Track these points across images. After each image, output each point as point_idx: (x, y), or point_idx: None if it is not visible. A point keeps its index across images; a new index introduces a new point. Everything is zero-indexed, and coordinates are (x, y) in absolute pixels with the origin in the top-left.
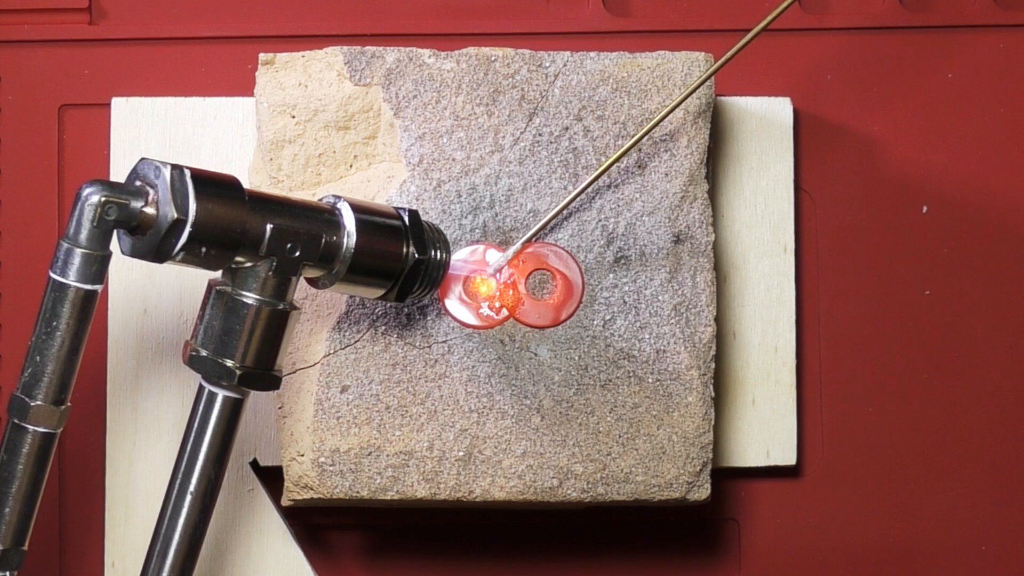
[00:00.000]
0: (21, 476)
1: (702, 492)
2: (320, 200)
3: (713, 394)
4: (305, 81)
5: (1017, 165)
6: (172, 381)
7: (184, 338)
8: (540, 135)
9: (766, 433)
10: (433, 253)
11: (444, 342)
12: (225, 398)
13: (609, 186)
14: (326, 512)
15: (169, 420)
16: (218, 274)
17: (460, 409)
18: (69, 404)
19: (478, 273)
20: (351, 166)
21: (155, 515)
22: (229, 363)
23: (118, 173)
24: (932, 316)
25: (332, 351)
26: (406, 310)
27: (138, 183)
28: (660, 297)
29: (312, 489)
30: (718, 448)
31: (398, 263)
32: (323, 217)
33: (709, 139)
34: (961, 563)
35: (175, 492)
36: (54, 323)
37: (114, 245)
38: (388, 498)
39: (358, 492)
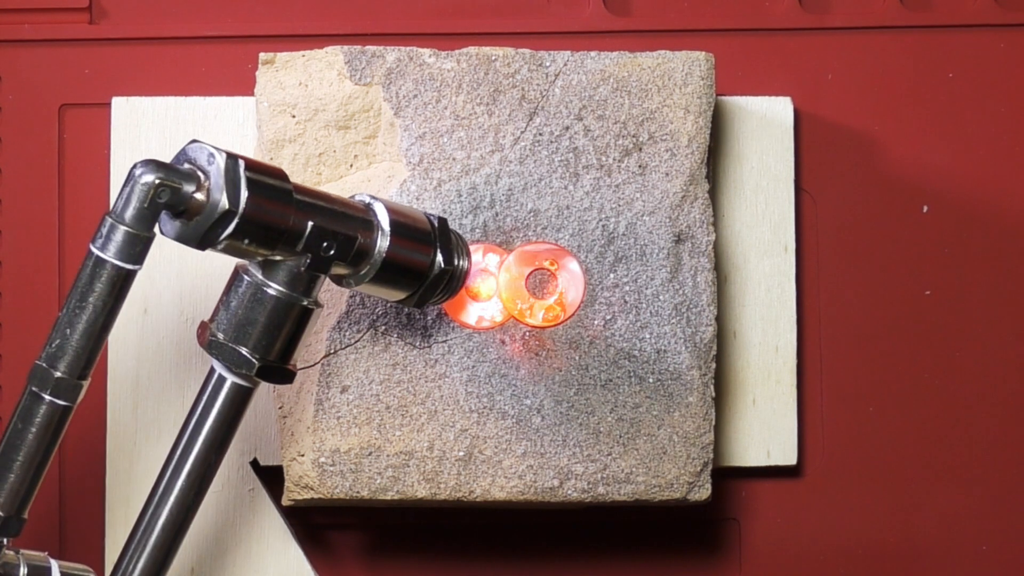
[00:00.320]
0: (31, 445)
1: (703, 492)
2: (353, 198)
3: (714, 394)
4: (305, 80)
5: (1018, 165)
6: (172, 381)
7: (185, 337)
8: (540, 135)
9: (767, 433)
10: (458, 263)
11: (444, 342)
12: (235, 385)
13: (610, 186)
14: (326, 512)
15: (169, 420)
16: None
17: (460, 409)
18: (90, 380)
19: (479, 273)
20: (351, 165)
21: None
22: (247, 352)
23: (118, 173)
24: (932, 316)
25: (332, 351)
26: (406, 310)
27: (188, 166)
28: (661, 297)
29: (312, 489)
30: (719, 448)
31: (425, 270)
32: (359, 218)
33: (710, 139)
34: (961, 563)
35: (170, 470)
36: (89, 298)
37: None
38: (388, 498)
39: (358, 492)
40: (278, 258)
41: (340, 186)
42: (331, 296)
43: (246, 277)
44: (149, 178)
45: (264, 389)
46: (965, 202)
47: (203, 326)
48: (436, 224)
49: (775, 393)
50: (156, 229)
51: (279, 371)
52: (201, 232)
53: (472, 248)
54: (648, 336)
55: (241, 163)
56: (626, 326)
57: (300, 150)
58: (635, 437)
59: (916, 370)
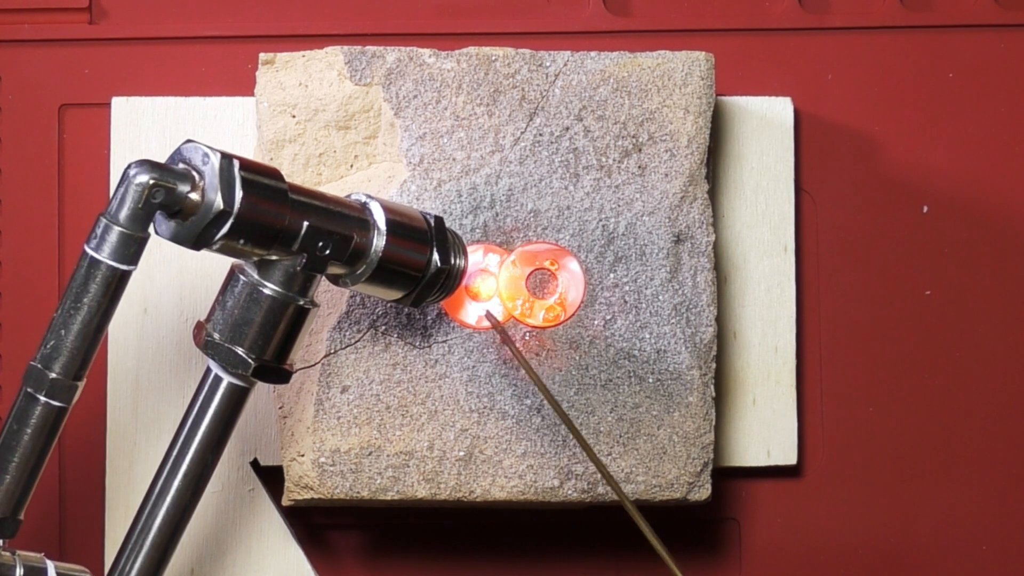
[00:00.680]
0: (27, 446)
1: (703, 492)
2: (349, 197)
3: (714, 394)
4: (305, 81)
5: (1018, 165)
6: (172, 381)
7: (184, 337)
8: (540, 135)
9: (767, 433)
10: (455, 262)
11: (444, 342)
12: (231, 384)
13: (610, 186)
14: (326, 512)
15: (169, 420)
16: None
17: (460, 409)
18: (85, 381)
19: (479, 273)
20: (351, 166)
21: None
22: (243, 352)
23: (118, 173)
24: (933, 316)
25: (333, 351)
26: (406, 309)
27: (183, 166)
28: (660, 297)
29: (312, 489)
30: (719, 448)
31: (421, 269)
32: (355, 217)
33: (709, 139)
34: (961, 563)
35: (166, 470)
36: (83, 299)
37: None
38: (388, 498)
39: (358, 492)
40: (274, 258)
41: (340, 186)
42: (331, 296)
43: (242, 277)
44: (143, 178)
45: (264, 389)
46: (965, 202)
47: (199, 326)
48: (432, 223)
49: (775, 393)
50: (151, 229)
51: (275, 371)
52: (196, 232)
53: (472, 248)
54: (648, 336)
55: (236, 163)
56: (626, 326)
57: (300, 150)
58: (635, 437)
59: (916, 370)
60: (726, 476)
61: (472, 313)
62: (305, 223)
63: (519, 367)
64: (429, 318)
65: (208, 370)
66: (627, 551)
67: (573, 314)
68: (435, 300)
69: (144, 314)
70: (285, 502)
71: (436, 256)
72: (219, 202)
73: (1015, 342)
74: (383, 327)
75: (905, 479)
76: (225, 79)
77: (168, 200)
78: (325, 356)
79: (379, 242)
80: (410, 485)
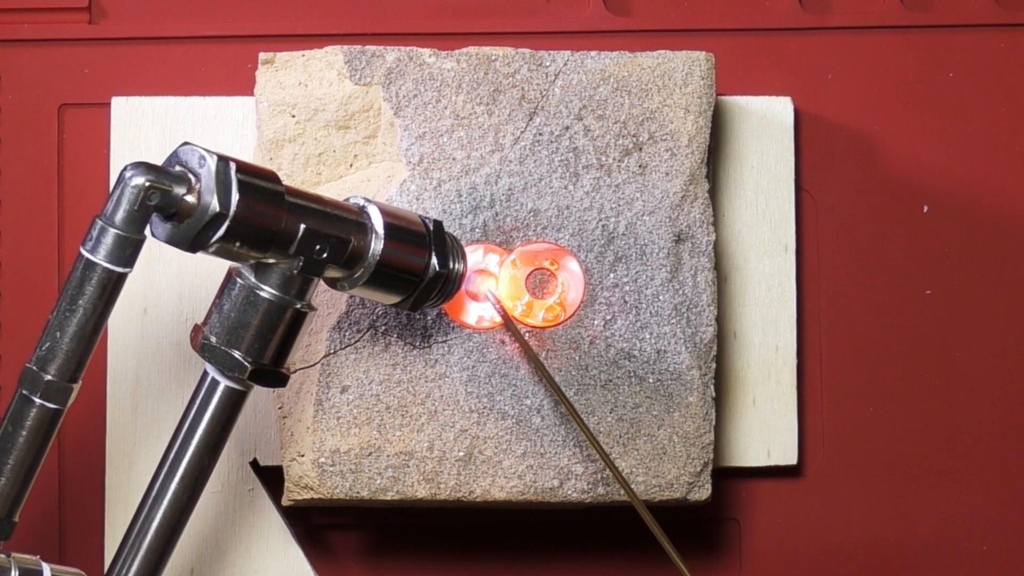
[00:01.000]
0: (22, 449)
1: (703, 492)
2: (347, 200)
3: (714, 394)
4: (305, 80)
5: (1018, 164)
6: (172, 381)
7: (184, 338)
8: (540, 134)
9: (767, 433)
10: (453, 266)
11: (444, 342)
12: (228, 388)
13: (610, 186)
14: (326, 512)
15: (169, 419)
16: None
17: (460, 409)
18: (80, 383)
19: (479, 274)
20: (351, 165)
21: None
22: (240, 356)
23: (117, 173)
24: (933, 316)
25: (332, 351)
26: None
27: (179, 168)
28: (661, 297)
29: (312, 489)
30: (719, 448)
31: (419, 273)
32: (353, 220)
33: (710, 138)
34: (961, 563)
35: (163, 474)
36: (79, 301)
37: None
38: (388, 498)
39: (358, 492)
40: (271, 261)
41: (340, 186)
42: (331, 296)
43: (239, 280)
44: (139, 180)
45: (264, 389)
46: (965, 202)
47: (196, 329)
48: (431, 227)
49: (775, 393)
50: (147, 232)
51: (272, 375)
52: (192, 235)
53: (472, 248)
54: (648, 336)
55: (232, 165)
56: (626, 326)
57: (300, 150)
58: (635, 437)
59: (916, 370)
60: (726, 476)
61: (472, 313)
62: (302, 226)
63: (519, 367)
64: (429, 318)
65: (205, 373)
66: (627, 551)
67: (573, 314)
68: (433, 304)
69: (144, 314)
70: (285, 502)
71: (435, 260)
72: (215, 205)
73: (1015, 342)
74: (383, 327)
75: (905, 479)
76: (225, 79)
77: (164, 202)
78: (325, 356)
79: (377, 246)
80: (410, 485)
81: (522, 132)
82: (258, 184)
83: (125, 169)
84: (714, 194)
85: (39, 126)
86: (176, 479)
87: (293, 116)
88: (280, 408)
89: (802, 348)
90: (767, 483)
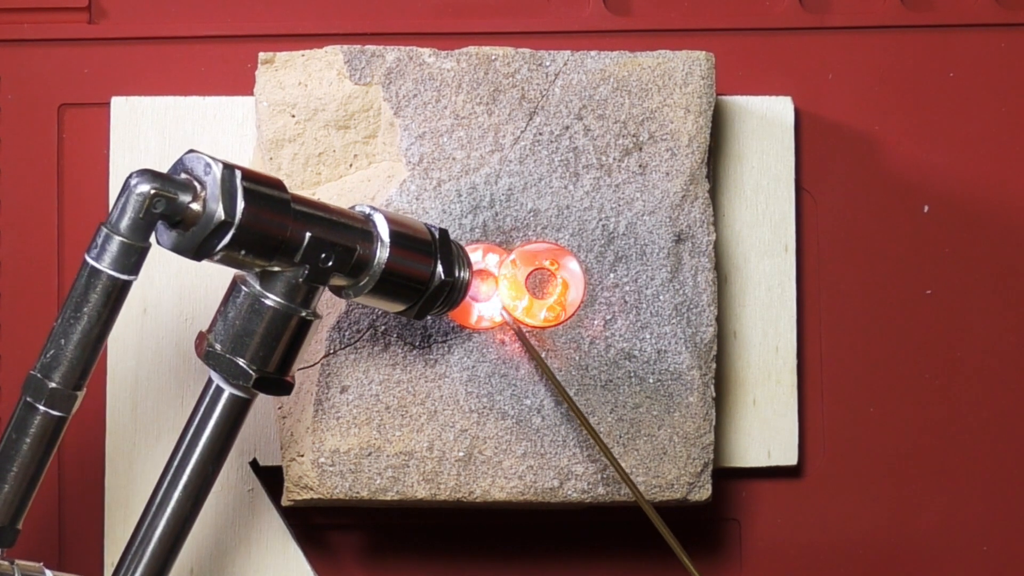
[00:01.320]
0: (25, 456)
1: (703, 492)
2: (353, 208)
3: (714, 394)
4: (305, 80)
5: (1019, 164)
6: (172, 381)
7: (184, 337)
8: (540, 134)
9: (767, 433)
10: (459, 274)
11: (444, 342)
12: (232, 396)
13: (610, 185)
14: (326, 512)
15: (169, 420)
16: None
17: (460, 409)
18: (85, 391)
19: (479, 274)
20: (351, 165)
21: None
22: (244, 364)
23: (117, 173)
24: (933, 316)
25: (332, 351)
26: None
27: (184, 176)
28: (661, 297)
29: (312, 489)
30: (719, 448)
31: (425, 282)
32: (358, 229)
33: (710, 138)
34: (962, 563)
35: (167, 481)
36: (83, 308)
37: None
38: (388, 499)
39: (358, 492)
40: (276, 269)
41: (340, 186)
42: (331, 296)
43: (244, 288)
44: (144, 188)
45: None
46: (966, 202)
47: (201, 336)
48: (437, 235)
49: (775, 393)
50: (152, 239)
51: (277, 383)
52: (197, 243)
53: (472, 248)
54: (648, 336)
55: (238, 173)
56: (626, 326)
57: (300, 150)
58: (635, 437)
59: (917, 370)
60: (726, 476)
61: (472, 313)
62: (308, 234)
63: (519, 367)
64: (429, 318)
65: (209, 380)
66: (627, 551)
67: (573, 314)
68: (439, 313)
69: (144, 315)
70: (284, 502)
71: (440, 268)
72: (220, 212)
73: (1016, 342)
74: (382, 327)
75: (905, 479)
76: (225, 79)
77: (169, 210)
78: (324, 356)
79: (382, 254)
80: (410, 485)
81: (522, 132)
82: (264, 192)
83: (130, 177)
84: (714, 194)
85: (39, 126)
86: (180, 486)
87: (293, 116)
88: (280, 408)
89: (802, 348)
90: (767, 483)
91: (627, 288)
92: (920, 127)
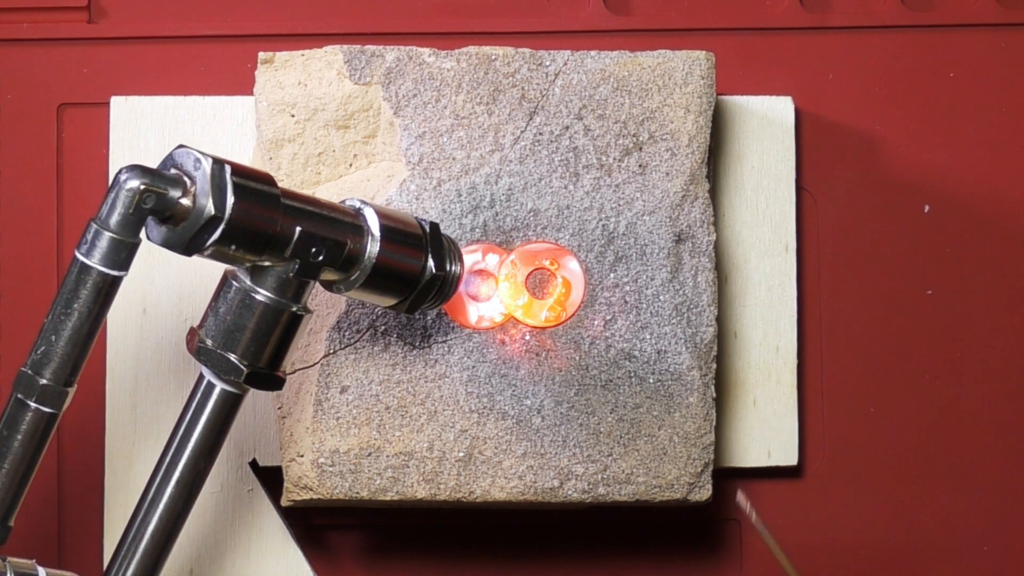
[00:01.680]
0: (17, 453)
1: (703, 493)
2: (343, 203)
3: (714, 394)
4: (305, 80)
5: (1019, 164)
6: (171, 381)
7: (183, 338)
8: (540, 134)
9: (767, 433)
10: (450, 268)
11: (444, 342)
12: (224, 391)
13: (610, 185)
14: (326, 512)
15: (168, 420)
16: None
17: (460, 409)
18: (76, 387)
19: (479, 274)
20: (351, 165)
21: None
22: (236, 359)
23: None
24: (934, 316)
25: (332, 351)
26: None
27: (174, 171)
28: (661, 297)
29: (312, 490)
30: (719, 448)
31: (416, 276)
32: (349, 223)
33: (710, 138)
34: (962, 563)
35: (159, 477)
36: (74, 304)
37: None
38: (388, 499)
39: (358, 493)
40: (266, 264)
41: (339, 186)
42: (330, 296)
43: (235, 283)
44: (134, 184)
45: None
46: (966, 202)
47: (192, 332)
48: (427, 229)
49: (776, 393)
50: (142, 235)
51: (268, 378)
52: (187, 238)
53: (472, 248)
54: (648, 336)
55: (228, 168)
56: (626, 326)
57: (299, 150)
58: (635, 438)
59: (917, 370)
60: (727, 477)
61: (472, 313)
62: (298, 228)
63: (519, 367)
64: (429, 318)
65: (201, 376)
66: (627, 551)
67: (573, 314)
68: (430, 307)
69: (143, 315)
70: (284, 503)
71: (431, 262)
72: (210, 207)
73: (1016, 342)
74: (382, 327)
75: (905, 480)
76: (224, 78)
77: (159, 205)
78: (324, 356)
79: (373, 248)
80: (410, 486)
81: (522, 132)
82: (253, 187)
83: (120, 172)
84: (714, 194)
85: (38, 126)
86: (172, 482)
87: (292, 116)
88: (279, 408)
89: (803, 348)
90: (768, 484)
91: (627, 288)
92: (920, 127)
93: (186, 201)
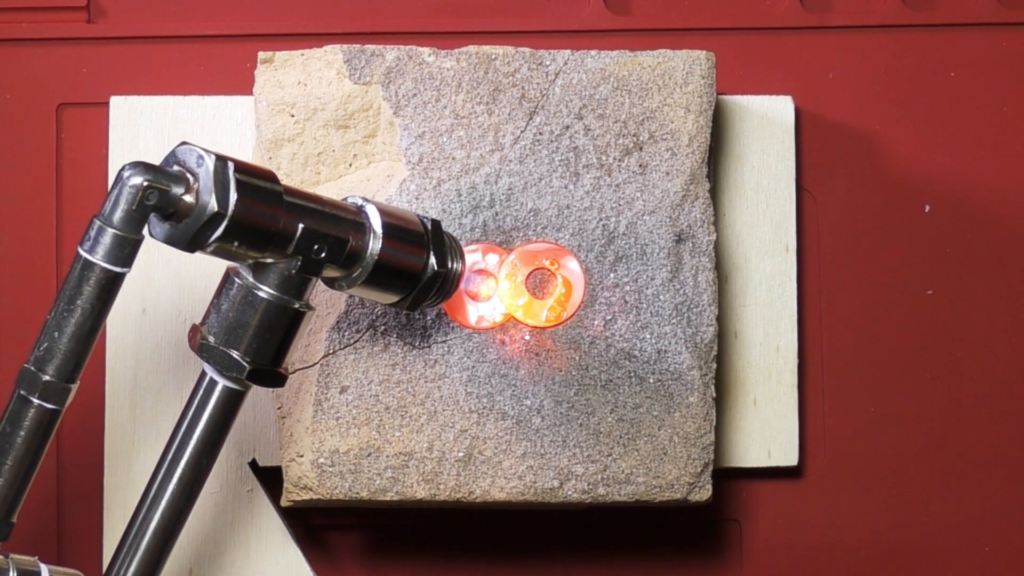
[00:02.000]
0: (20, 449)
1: (703, 493)
2: (345, 200)
3: (715, 394)
4: (304, 80)
5: (1019, 164)
6: (171, 381)
7: (183, 337)
8: (541, 134)
9: (768, 433)
10: (452, 265)
11: (444, 342)
12: (226, 388)
13: (610, 185)
14: (326, 513)
15: (168, 419)
16: None
17: (460, 409)
18: (78, 383)
19: (479, 274)
20: (350, 165)
21: None
22: (238, 356)
23: (116, 172)
24: (934, 316)
25: (331, 351)
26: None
27: (177, 168)
28: (661, 297)
29: (311, 490)
30: (719, 448)
31: (418, 273)
32: (351, 220)
33: (710, 138)
34: (963, 563)
35: (161, 474)
36: (77, 301)
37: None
38: (388, 499)
39: (358, 493)
40: (269, 261)
41: (339, 185)
42: (330, 296)
43: (237, 280)
44: (137, 180)
45: (263, 389)
46: (967, 202)
47: (194, 329)
48: (429, 226)
49: (776, 393)
50: (145, 231)
51: (271, 375)
52: (190, 234)
53: (472, 248)
54: (648, 336)
55: (230, 165)
56: (626, 326)
57: (299, 149)
58: (635, 438)
59: (918, 370)
60: (727, 477)
61: (472, 313)
62: (300, 226)
63: (519, 367)
64: (428, 318)
65: (203, 373)
66: (627, 551)
67: (573, 314)
68: (432, 304)
69: (143, 314)
70: (284, 503)
71: (433, 260)
72: (213, 204)
73: (1017, 342)
74: (382, 327)
75: (905, 479)
76: (224, 78)
77: (162, 202)
78: (324, 356)
79: (375, 245)
80: (409, 486)
81: (522, 131)
82: (256, 184)
83: (123, 169)
84: (715, 194)
85: (37, 125)
86: (174, 479)
87: (292, 115)
88: (279, 408)
89: (803, 348)
90: (768, 484)
91: (627, 288)
92: (920, 127)
93: (189, 198)
